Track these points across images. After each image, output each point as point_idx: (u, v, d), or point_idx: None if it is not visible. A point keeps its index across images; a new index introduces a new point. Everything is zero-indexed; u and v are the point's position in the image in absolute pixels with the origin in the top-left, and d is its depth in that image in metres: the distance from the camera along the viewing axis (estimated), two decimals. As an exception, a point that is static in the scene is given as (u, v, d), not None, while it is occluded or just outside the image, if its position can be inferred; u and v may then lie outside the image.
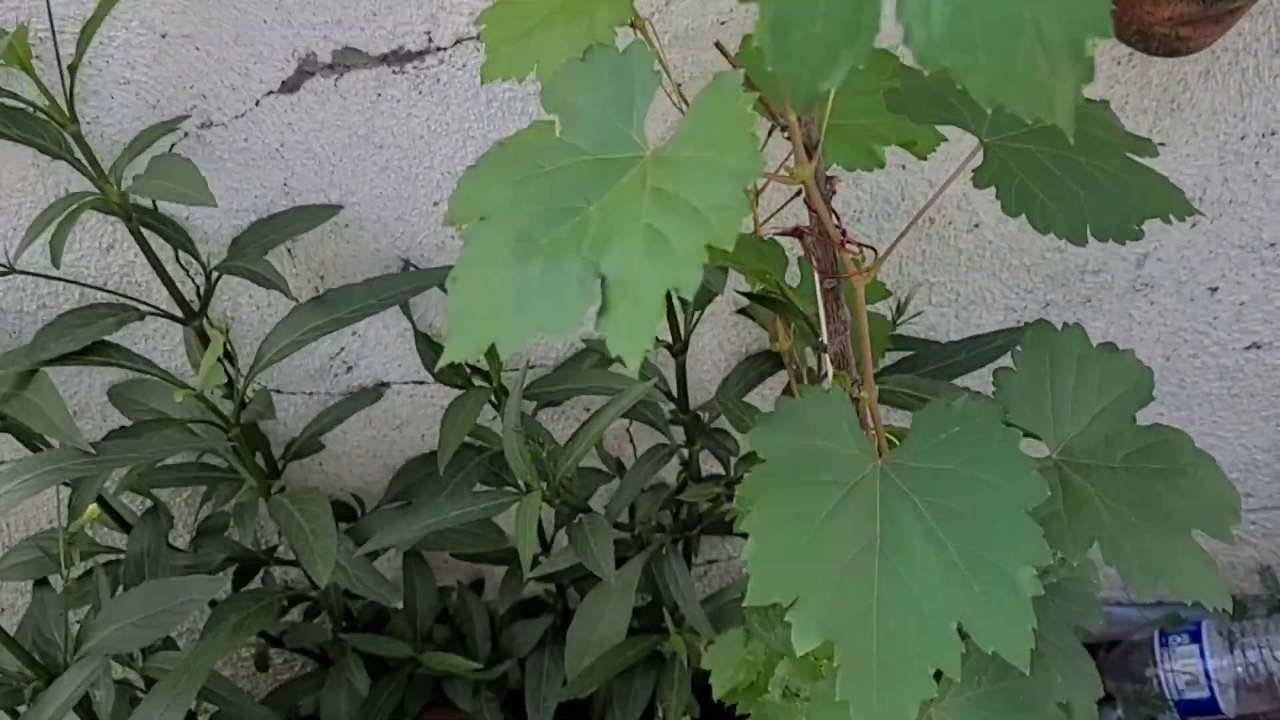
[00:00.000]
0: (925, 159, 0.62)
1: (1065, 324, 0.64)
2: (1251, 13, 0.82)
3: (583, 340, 0.99)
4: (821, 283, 0.56)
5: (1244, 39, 0.84)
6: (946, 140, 0.62)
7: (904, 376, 0.83)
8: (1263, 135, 0.89)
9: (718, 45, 0.59)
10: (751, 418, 0.89)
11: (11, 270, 0.77)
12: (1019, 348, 0.63)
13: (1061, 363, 0.63)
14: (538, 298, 0.43)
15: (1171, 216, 0.57)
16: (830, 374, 0.60)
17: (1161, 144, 0.89)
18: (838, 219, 0.55)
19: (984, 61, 0.34)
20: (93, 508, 0.77)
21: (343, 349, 0.99)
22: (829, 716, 0.60)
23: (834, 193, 0.55)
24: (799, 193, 0.51)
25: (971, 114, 0.56)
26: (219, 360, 0.81)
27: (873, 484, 0.51)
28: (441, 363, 0.45)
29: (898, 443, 0.52)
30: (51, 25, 0.74)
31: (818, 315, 0.58)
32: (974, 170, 0.55)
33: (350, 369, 1.01)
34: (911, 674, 0.46)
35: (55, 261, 0.73)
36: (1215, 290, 1.00)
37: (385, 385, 1.03)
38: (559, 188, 0.46)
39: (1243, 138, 0.89)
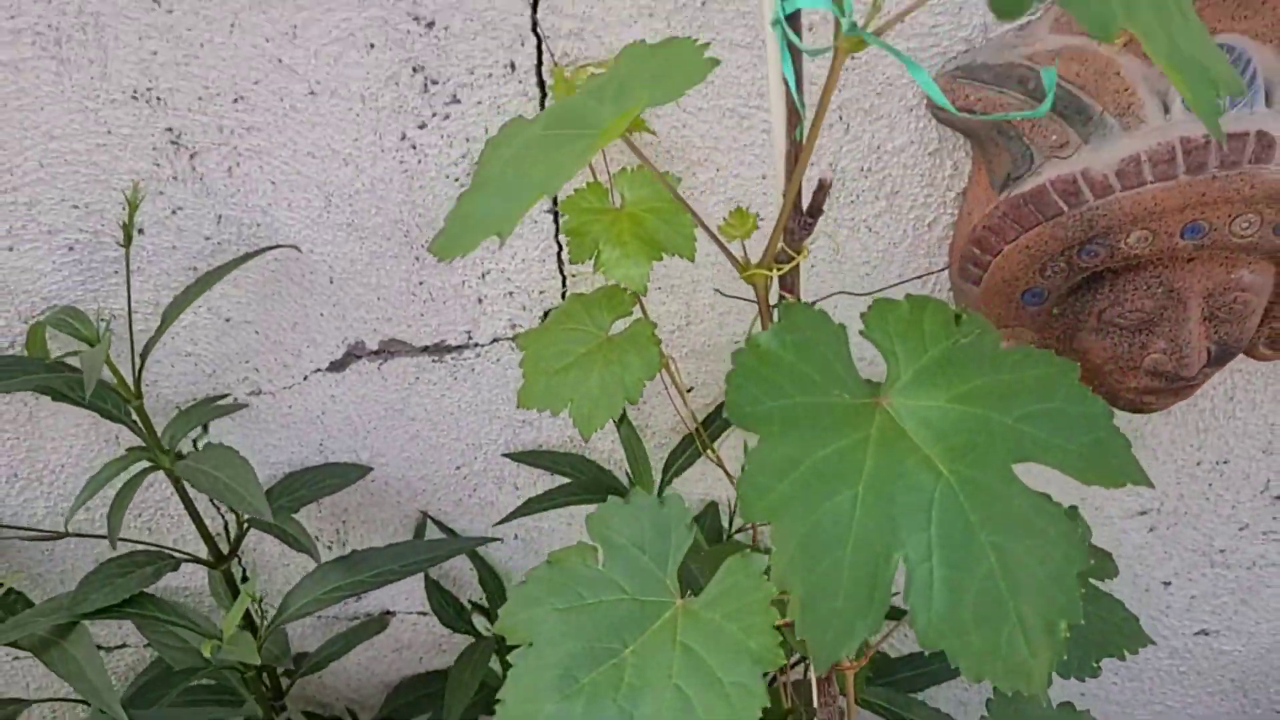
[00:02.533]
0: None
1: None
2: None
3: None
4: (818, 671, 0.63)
5: (1210, 389, 0.93)
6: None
7: (879, 689, 0.89)
8: (1216, 463, 0.98)
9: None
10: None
11: (66, 535, 0.83)
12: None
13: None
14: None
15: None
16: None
17: (1125, 465, 0.98)
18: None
19: (975, 645, 0.42)
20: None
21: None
22: None
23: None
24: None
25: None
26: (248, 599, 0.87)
27: None
28: None
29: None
30: (129, 310, 0.82)
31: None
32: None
33: (359, 599, 1.07)
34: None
35: (113, 540, 0.79)
36: (1168, 584, 1.09)
37: (391, 614, 1.08)
38: (599, 624, 0.52)
39: (1198, 464, 0.98)
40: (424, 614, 1.09)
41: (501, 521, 0.96)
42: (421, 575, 1.03)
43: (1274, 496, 1.01)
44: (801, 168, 0.46)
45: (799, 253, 0.50)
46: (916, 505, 0.43)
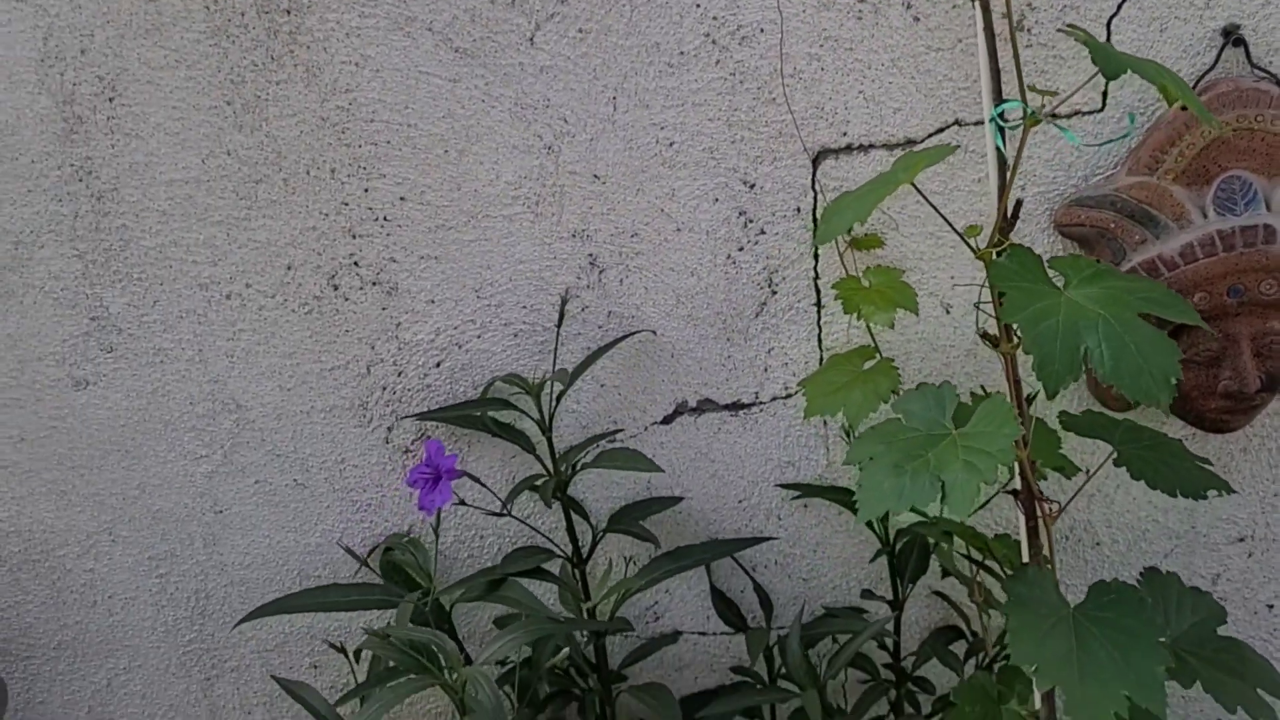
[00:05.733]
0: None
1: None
2: (1271, 410, 1.31)
3: (825, 607, 1.42)
4: (1026, 520, 1.02)
5: (1269, 425, 1.32)
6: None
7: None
8: (1288, 493, 1.36)
9: (983, 335, 1.07)
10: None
11: (506, 513, 1.26)
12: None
13: (1171, 591, 1.06)
14: (910, 491, 0.90)
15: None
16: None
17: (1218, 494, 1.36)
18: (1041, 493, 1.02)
19: (1127, 384, 0.84)
20: (564, 652, 1.20)
21: (656, 603, 1.44)
22: None
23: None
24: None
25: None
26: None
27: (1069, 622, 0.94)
28: (858, 520, 0.92)
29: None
30: (551, 375, 1.28)
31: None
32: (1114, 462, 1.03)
33: (659, 619, 1.45)
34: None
35: (507, 508, 1.22)
36: (1272, 607, 1.42)
37: (680, 633, 1.46)
38: (911, 445, 0.94)
39: (1276, 495, 1.36)
40: (704, 634, 1.46)
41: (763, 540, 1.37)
42: (709, 599, 1.42)
43: (1339, 524, 1.37)
44: (1008, 191, 0.94)
45: (1007, 238, 0.96)
46: (1089, 327, 0.86)
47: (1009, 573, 1.02)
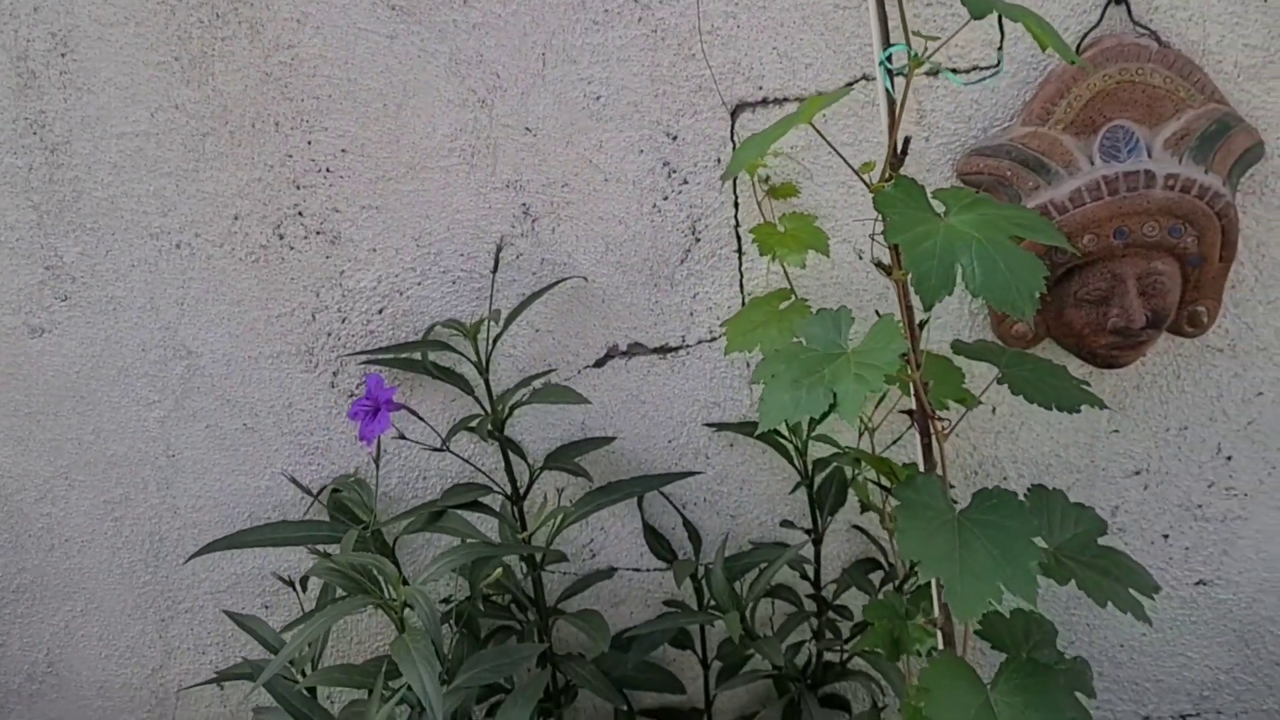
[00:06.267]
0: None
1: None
2: (1162, 349, 1.41)
3: (750, 542, 1.50)
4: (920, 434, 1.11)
5: (1163, 364, 1.42)
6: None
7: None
8: (1179, 429, 1.45)
9: (878, 264, 1.17)
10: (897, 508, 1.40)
11: (445, 449, 1.33)
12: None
13: (1056, 505, 1.15)
14: (805, 402, 0.99)
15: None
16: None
17: (1115, 430, 1.45)
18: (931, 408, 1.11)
19: (996, 296, 0.92)
20: (498, 570, 1.27)
21: (592, 540, 1.52)
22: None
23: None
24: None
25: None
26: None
27: (954, 524, 1.02)
28: (760, 430, 1.00)
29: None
30: (488, 319, 1.36)
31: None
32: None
33: (594, 555, 1.53)
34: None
35: (446, 444, 1.29)
36: (1167, 537, 1.51)
37: (614, 569, 1.54)
38: (809, 363, 1.02)
39: (1167, 430, 1.45)
40: (638, 570, 1.54)
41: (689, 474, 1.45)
42: (643, 538, 1.50)
43: (1226, 457, 1.46)
44: (897, 128, 1.02)
45: (898, 172, 1.05)
46: (964, 248, 0.95)
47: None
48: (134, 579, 1.54)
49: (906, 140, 1.04)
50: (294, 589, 1.43)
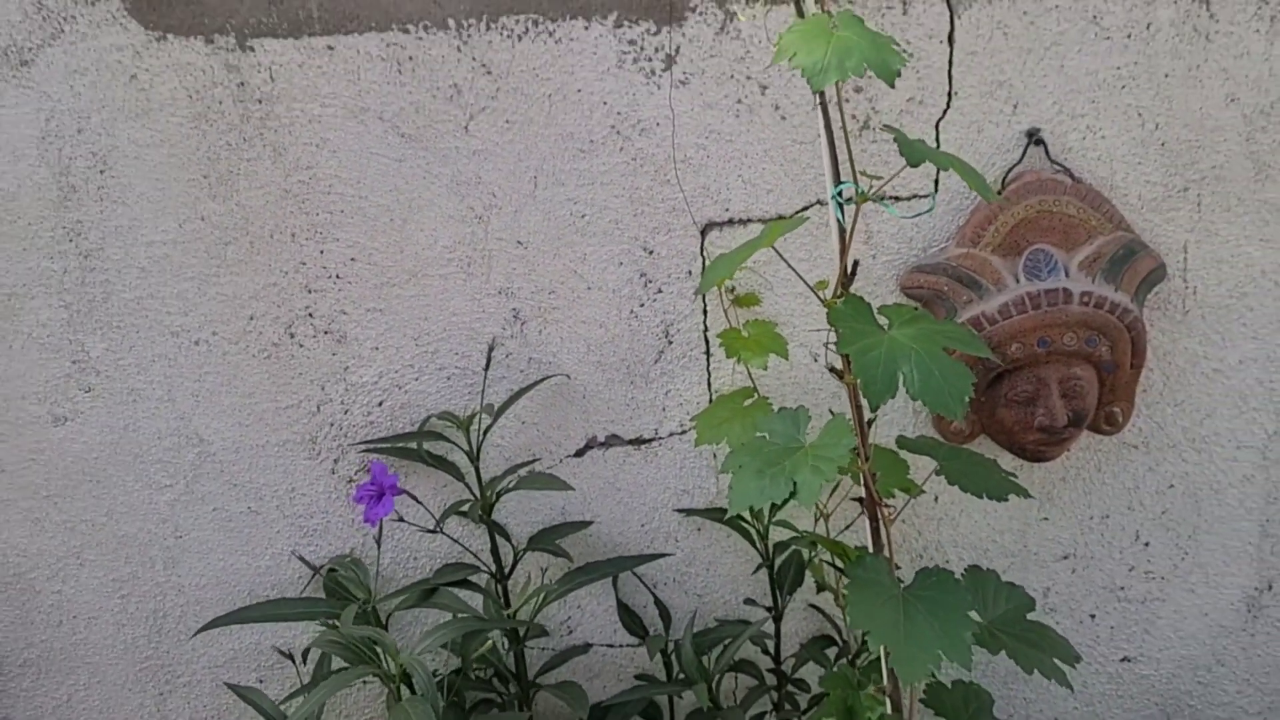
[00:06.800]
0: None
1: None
2: (1085, 446, 1.57)
3: (716, 619, 1.63)
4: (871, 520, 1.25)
5: (1085, 459, 1.58)
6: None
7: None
8: (1101, 517, 1.61)
9: (831, 369, 1.32)
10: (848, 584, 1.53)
11: (438, 531, 1.45)
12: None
13: (989, 584, 1.30)
14: (769, 489, 1.13)
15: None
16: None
17: (1045, 518, 1.61)
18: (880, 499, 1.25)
19: (932, 401, 1.08)
20: (489, 642, 1.39)
21: (569, 617, 1.64)
22: None
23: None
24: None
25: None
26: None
27: (899, 599, 1.16)
28: (729, 514, 1.14)
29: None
30: (480, 413, 1.50)
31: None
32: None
33: (571, 632, 1.64)
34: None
35: (439, 526, 1.42)
36: (1094, 617, 1.66)
37: (590, 645, 1.65)
38: (771, 455, 1.17)
39: (1090, 517, 1.61)
40: (612, 646, 1.65)
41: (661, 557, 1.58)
42: (616, 615, 1.62)
43: (1144, 544, 1.62)
44: (847, 252, 1.19)
45: (848, 290, 1.21)
46: (904, 358, 1.11)
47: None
48: (136, 654, 1.63)
49: (855, 264, 1.21)
50: (293, 662, 1.53)
